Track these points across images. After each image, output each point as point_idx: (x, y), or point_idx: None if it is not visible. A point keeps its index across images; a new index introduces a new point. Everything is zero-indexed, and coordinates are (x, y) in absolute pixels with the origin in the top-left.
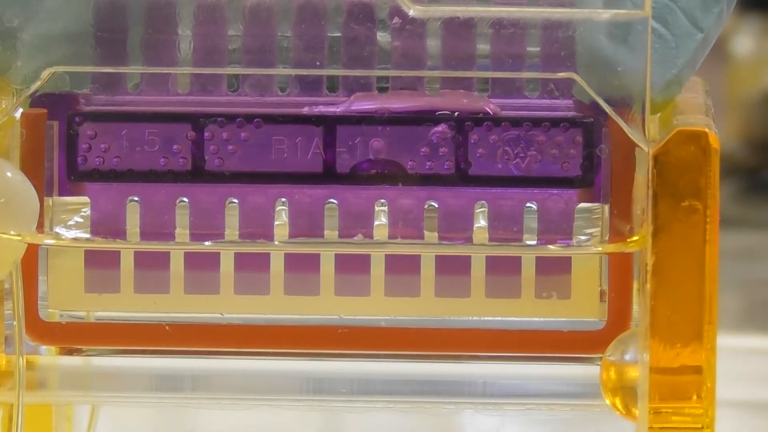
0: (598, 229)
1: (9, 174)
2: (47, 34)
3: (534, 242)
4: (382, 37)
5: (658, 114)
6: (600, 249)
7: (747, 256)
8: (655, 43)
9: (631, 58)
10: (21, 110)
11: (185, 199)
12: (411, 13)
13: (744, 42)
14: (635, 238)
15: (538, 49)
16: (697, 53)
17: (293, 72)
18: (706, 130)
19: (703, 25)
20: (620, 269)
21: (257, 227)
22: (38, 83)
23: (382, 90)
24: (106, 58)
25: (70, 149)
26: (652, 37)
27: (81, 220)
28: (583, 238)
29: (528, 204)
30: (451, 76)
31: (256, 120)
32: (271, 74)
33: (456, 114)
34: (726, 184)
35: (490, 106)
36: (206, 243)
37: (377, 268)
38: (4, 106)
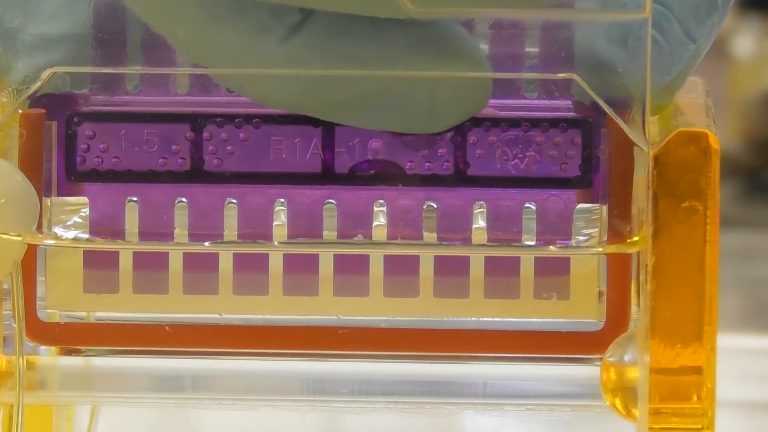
0: (597, 229)
1: (9, 174)
2: (47, 34)
3: (533, 243)
4: None
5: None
6: (600, 249)
7: (747, 256)
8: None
9: (630, 59)
10: (20, 110)
11: (184, 200)
12: (411, 13)
13: (744, 42)
14: (635, 238)
15: (537, 49)
16: (689, 63)
17: (292, 72)
18: (707, 130)
19: (696, 36)
20: (619, 270)
21: (256, 228)
22: (38, 83)
23: None
24: (106, 58)
25: (68, 149)
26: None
27: (80, 220)
28: (581, 238)
29: (527, 204)
30: (449, 76)
31: (254, 120)
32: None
33: None
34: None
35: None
36: (205, 243)
37: (376, 269)
38: (4, 106)
